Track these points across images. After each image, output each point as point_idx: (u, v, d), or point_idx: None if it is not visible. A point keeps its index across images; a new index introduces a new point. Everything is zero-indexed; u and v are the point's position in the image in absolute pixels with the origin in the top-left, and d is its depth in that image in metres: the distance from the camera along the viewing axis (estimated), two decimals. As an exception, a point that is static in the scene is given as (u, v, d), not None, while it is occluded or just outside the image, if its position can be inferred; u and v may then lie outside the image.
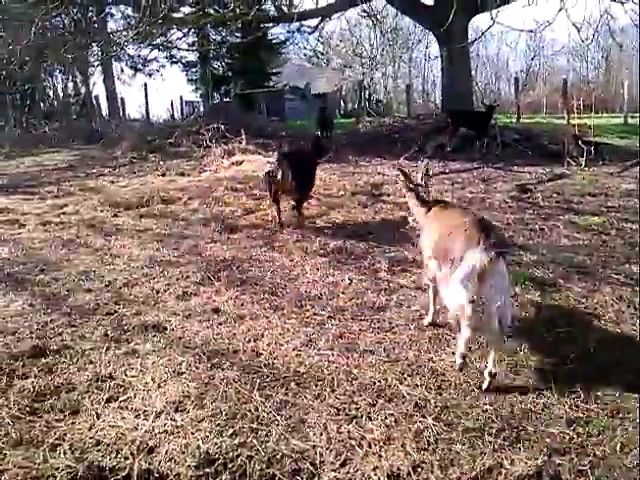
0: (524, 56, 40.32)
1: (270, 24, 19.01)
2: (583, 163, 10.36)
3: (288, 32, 29.43)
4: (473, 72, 27.48)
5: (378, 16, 19.41)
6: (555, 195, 8.18)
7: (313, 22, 17.81)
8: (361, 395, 3.28)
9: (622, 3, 11.75)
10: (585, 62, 39.02)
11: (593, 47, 35.82)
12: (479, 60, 39.42)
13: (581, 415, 3.06)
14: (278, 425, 3.03)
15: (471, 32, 16.59)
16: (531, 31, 11.32)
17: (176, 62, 31.34)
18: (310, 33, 20.00)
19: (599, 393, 3.25)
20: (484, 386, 3.31)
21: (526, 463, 2.69)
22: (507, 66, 41.92)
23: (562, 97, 18.12)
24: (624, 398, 3.20)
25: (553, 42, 38.19)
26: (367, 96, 34.77)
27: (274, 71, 32.07)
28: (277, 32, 29.20)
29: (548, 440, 2.86)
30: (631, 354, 3.68)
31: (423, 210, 4.25)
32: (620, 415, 3.06)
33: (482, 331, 3.48)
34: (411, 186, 4.48)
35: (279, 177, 6.78)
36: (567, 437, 2.89)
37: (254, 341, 4.01)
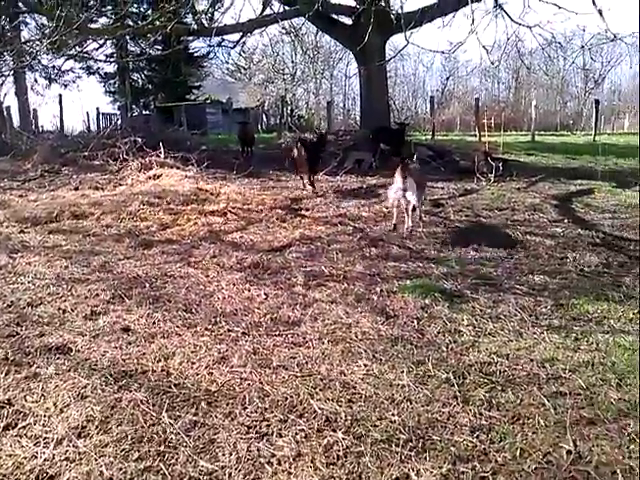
0: (440, 76, 41.79)
1: (190, 37, 18.79)
2: (492, 179, 10.83)
3: (209, 46, 29.19)
4: (391, 90, 28.25)
5: (299, 33, 19.68)
6: (465, 209, 8.51)
7: (235, 37, 17.82)
8: (272, 412, 3.26)
9: (530, 28, 12.45)
10: (496, 83, 40.87)
11: (504, 68, 37.56)
12: (397, 79, 40.51)
13: (484, 422, 3.17)
14: (186, 447, 2.97)
15: (389, 51, 17.06)
16: (443, 52, 11.77)
17: (93, 73, 30.38)
18: (232, 48, 19.93)
19: (501, 400, 3.38)
20: (405, 233, 6.72)
21: (431, 472, 2.76)
22: (424, 85, 43.34)
23: (474, 116, 18.88)
24: (524, 405, 3.34)
25: (467, 63, 39.79)
26: (289, 111, 35.00)
27: (195, 84, 31.74)
28: (199, 46, 28.89)
29: (453, 448, 2.94)
30: (526, 361, 3.85)
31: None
32: (520, 421, 3.18)
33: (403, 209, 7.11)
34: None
35: (296, 156, 10.17)
36: (471, 445, 2.98)
37: (165, 360, 3.91)
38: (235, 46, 18.86)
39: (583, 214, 8.29)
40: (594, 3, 10.12)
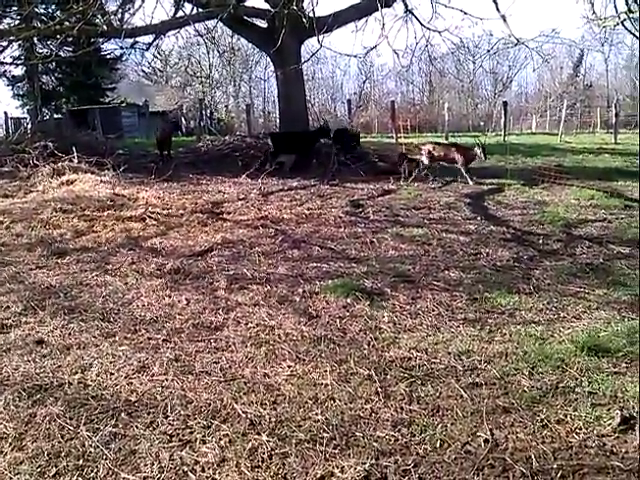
0: (357, 79, 42.48)
1: (101, 39, 18.17)
2: (409, 179, 11.13)
3: (122, 48, 28.34)
4: (310, 93, 28.45)
5: (214, 36, 19.46)
6: (384, 209, 8.70)
7: (148, 39, 17.38)
8: (195, 418, 3.22)
9: (439, 32, 12.89)
10: (411, 86, 41.94)
11: (417, 72, 38.61)
12: (316, 82, 40.86)
13: (405, 416, 3.25)
14: (106, 459, 2.88)
15: (307, 54, 17.19)
16: (356, 56, 12.03)
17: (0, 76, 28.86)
18: (145, 50, 19.41)
19: (421, 394, 3.48)
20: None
21: (355, 468, 2.80)
22: (342, 88, 43.91)
23: (391, 118, 19.33)
24: (443, 397, 3.45)
25: (382, 67, 40.67)
26: (208, 114, 34.54)
27: (110, 87, 30.80)
28: (111, 48, 28.00)
29: (375, 444, 3.00)
30: (444, 355, 3.98)
31: None
32: (440, 413, 3.28)
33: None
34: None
35: None
36: (393, 439, 3.05)
37: (82, 372, 3.78)
38: (149, 48, 18.37)
39: (495, 211, 8.66)
40: (498, 9, 10.60)
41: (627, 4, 11.11)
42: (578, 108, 32.92)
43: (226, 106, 42.52)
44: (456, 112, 35.93)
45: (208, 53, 36.42)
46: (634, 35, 12.21)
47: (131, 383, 3.63)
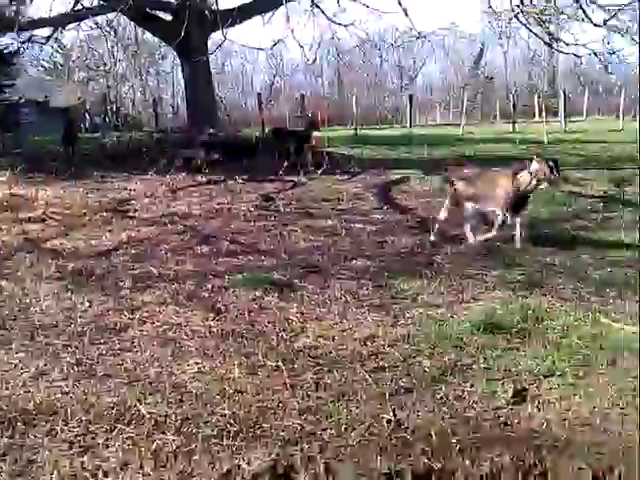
0: (267, 73, 42.40)
1: (-4, 33, 17.17)
2: (319, 171, 11.23)
3: (20, 42, 26.75)
4: (219, 87, 28.06)
5: (117, 29, 18.80)
6: (294, 202, 8.75)
7: (47, 32, 16.57)
8: (98, 423, 3.12)
9: (345, 26, 13.06)
10: (320, 80, 42.30)
11: (326, 66, 39.00)
12: (225, 76, 40.38)
13: (312, 404, 3.30)
14: (2, 472, 2.74)
15: (215, 47, 16.96)
16: (262, 49, 11.98)
17: None
18: (43, 44, 18.48)
19: (328, 381, 3.54)
20: None
21: (262, 459, 2.81)
22: (252, 82, 43.66)
23: (301, 112, 19.45)
24: (349, 382, 3.53)
25: (292, 60, 40.77)
26: (114, 110, 33.44)
27: (6, 83, 29.05)
28: (7, 42, 26.34)
29: (283, 433, 3.02)
30: (350, 341, 4.07)
31: None
32: (345, 398, 3.36)
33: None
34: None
35: None
36: (299, 427, 3.08)
37: (-25, 383, 3.58)
38: (47, 41, 17.55)
39: (400, 200, 8.92)
40: (400, 3, 10.88)
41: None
42: (479, 100, 34.40)
43: (132, 101, 41.32)
44: (365, 105, 36.55)
45: (112, 47, 35.22)
46: (527, 28, 12.87)
47: (28, 391, 3.47)
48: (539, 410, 3.18)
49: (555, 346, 3.86)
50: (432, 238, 6.60)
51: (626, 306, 4.53)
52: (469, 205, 6.51)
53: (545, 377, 3.49)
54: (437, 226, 6.72)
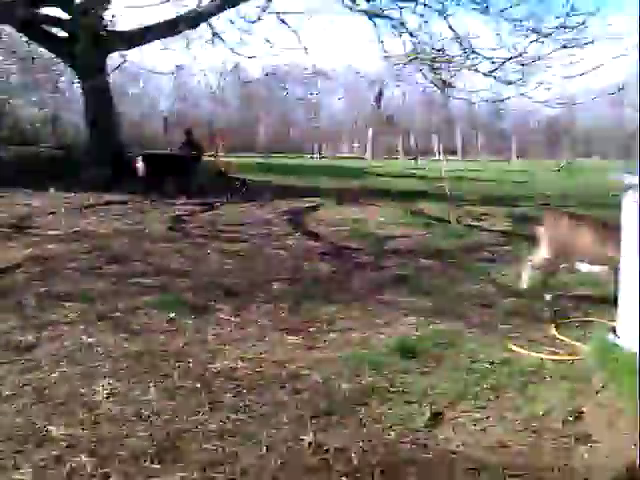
0: (173, 96, 41.71)
1: None
2: (230, 196, 11.21)
3: None
4: (123, 108, 27.18)
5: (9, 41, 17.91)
6: (207, 225, 8.66)
7: None
8: (6, 444, 2.92)
9: (248, 58, 13.15)
10: (227, 107, 42.02)
11: (231, 94, 38.85)
12: (130, 97, 39.32)
13: (231, 427, 3.25)
14: None
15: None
16: (162, 73, 11.89)
17: None
18: None
19: (247, 402, 3.51)
20: None
21: (182, 483, 2.74)
22: (158, 105, 42.76)
23: (209, 137, 19.33)
24: (269, 404, 3.51)
25: (198, 86, 40.44)
26: (11, 124, 31.59)
27: None
28: None
29: (203, 455, 2.96)
30: (269, 363, 4.07)
31: None
32: (265, 420, 3.34)
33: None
34: None
35: None
36: (220, 449, 3.03)
37: None
38: None
39: (313, 227, 9.04)
40: (299, 41, 11.18)
41: (413, 45, 12.33)
42: (382, 137, 35.68)
43: (30, 116, 39.27)
44: (273, 134, 36.87)
45: (3, 59, 33.46)
46: (422, 73, 13.51)
47: None
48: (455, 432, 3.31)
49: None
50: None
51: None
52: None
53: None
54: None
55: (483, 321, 5.06)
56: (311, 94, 39.99)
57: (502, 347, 4.46)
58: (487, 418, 3.44)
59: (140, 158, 11.11)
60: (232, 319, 4.88)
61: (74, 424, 3.15)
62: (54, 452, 2.88)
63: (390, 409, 3.51)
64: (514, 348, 4.41)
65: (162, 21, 14.23)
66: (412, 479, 2.87)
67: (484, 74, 12.22)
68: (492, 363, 4.13)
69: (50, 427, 3.08)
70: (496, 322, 5.03)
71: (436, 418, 3.42)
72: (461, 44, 11.87)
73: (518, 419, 3.44)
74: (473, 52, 11.76)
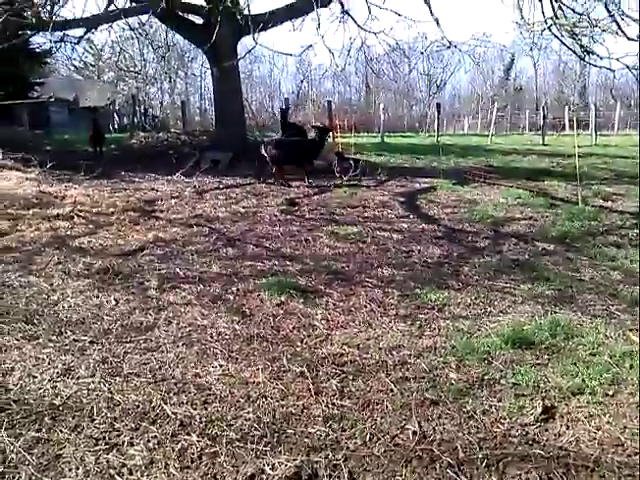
0: (295, 78, 42.58)
1: (29, 32, 17.42)
2: (346, 178, 11.21)
3: (52, 41, 27.19)
4: (247, 91, 28.18)
5: (148, 31, 19.00)
6: (320, 208, 8.73)
7: (79, 32, 16.80)
8: (123, 421, 3.14)
9: (375, 34, 13.00)
10: (348, 86, 42.34)
11: (354, 73, 39.03)
12: (253, 80, 40.64)
13: (336, 412, 3.28)
14: (29, 465, 2.78)
15: (244, 52, 17.05)
16: (292, 54, 11.99)
17: None
18: (76, 43, 18.71)
19: (352, 389, 3.52)
20: None
21: (286, 465, 2.80)
22: (279, 87, 43.90)
23: (328, 118, 19.43)
24: (374, 391, 3.50)
25: (320, 67, 40.85)
26: (142, 111, 33.79)
27: (38, 81, 29.54)
28: (40, 41, 26.80)
29: (307, 440, 3.01)
30: (375, 350, 4.04)
31: None
32: (370, 408, 3.33)
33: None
34: None
35: None
36: (324, 434, 3.07)
37: (3, 376, 3.62)
38: (79, 42, 17.75)
39: (427, 210, 8.84)
40: (431, 12, 10.83)
41: (553, 10, 11.55)
42: (508, 110, 34.11)
43: (161, 102, 41.79)
44: (392, 113, 36.53)
45: (142, 48, 35.65)
46: (560, 40, 12.72)
47: (55, 386, 3.50)
48: (568, 428, 3.13)
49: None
50: None
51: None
52: None
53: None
54: None
55: (606, 311, 4.72)
56: (435, 68, 39.10)
57: (624, 339, 4.14)
58: (604, 414, 3.22)
59: (269, 143, 11.23)
60: (341, 304, 4.90)
61: (187, 403, 3.32)
62: (167, 430, 3.05)
63: (500, 401, 3.38)
64: (637, 340, 4.07)
65: (293, 2, 14.47)
66: (520, 475, 2.75)
67: (629, 38, 11.18)
68: (613, 356, 3.85)
69: (165, 406, 3.27)
70: (620, 312, 4.67)
71: (548, 413, 3.25)
72: (606, 6, 10.91)
73: (638, 416, 3.18)
74: (621, 14, 10.77)
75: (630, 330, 4.29)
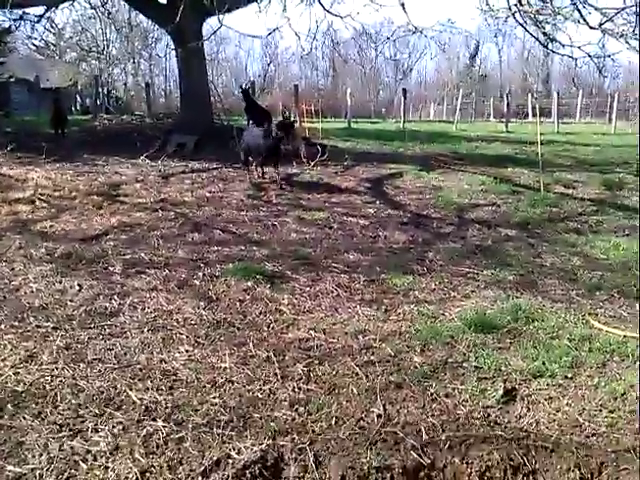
0: (261, 61, 42.22)
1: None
2: (312, 163, 11.18)
3: (12, 19, 26.28)
4: (213, 74, 27.83)
5: (110, 10, 18.55)
6: (286, 193, 8.71)
7: (39, 10, 16.31)
8: (87, 407, 3.12)
9: (341, 17, 12.92)
10: (315, 70, 42.16)
11: (321, 57, 38.86)
12: (218, 63, 40.12)
13: (302, 396, 3.31)
14: (-9, 453, 2.74)
15: (209, 34, 16.76)
16: (256, 36, 11.86)
17: None
18: (36, 22, 18.15)
19: (318, 373, 3.56)
20: None
21: (252, 449, 2.83)
22: (246, 70, 43.44)
23: (294, 102, 19.32)
24: (339, 375, 3.55)
25: (287, 50, 40.54)
26: (105, 92, 33.01)
27: (-4, 61, 28.61)
28: (-1, 19, 25.85)
29: (273, 424, 3.04)
30: (341, 335, 4.09)
31: None
32: (335, 391, 3.38)
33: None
34: None
35: None
36: (290, 418, 3.10)
37: (-38, 363, 3.55)
38: (39, 20, 17.25)
39: (393, 195, 8.89)
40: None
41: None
42: (473, 97, 34.39)
43: (125, 84, 40.91)
44: (358, 98, 36.51)
45: (105, 28, 34.80)
46: (524, 27, 12.84)
47: (18, 373, 3.46)
48: (528, 410, 3.22)
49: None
50: None
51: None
52: None
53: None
54: None
55: (566, 295, 4.85)
56: (402, 54, 39.21)
57: (584, 323, 4.27)
58: (563, 397, 3.33)
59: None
60: (307, 289, 4.92)
61: (152, 389, 3.31)
62: (132, 416, 3.05)
63: (462, 384, 3.47)
64: (596, 324, 4.21)
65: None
66: (482, 456, 2.83)
67: (591, 27, 11.34)
68: (572, 340, 3.98)
69: (130, 392, 3.26)
70: (580, 297, 4.81)
71: (509, 395, 3.34)
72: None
73: (596, 398, 3.30)
74: (583, 2, 10.91)
75: (589, 314, 4.42)
